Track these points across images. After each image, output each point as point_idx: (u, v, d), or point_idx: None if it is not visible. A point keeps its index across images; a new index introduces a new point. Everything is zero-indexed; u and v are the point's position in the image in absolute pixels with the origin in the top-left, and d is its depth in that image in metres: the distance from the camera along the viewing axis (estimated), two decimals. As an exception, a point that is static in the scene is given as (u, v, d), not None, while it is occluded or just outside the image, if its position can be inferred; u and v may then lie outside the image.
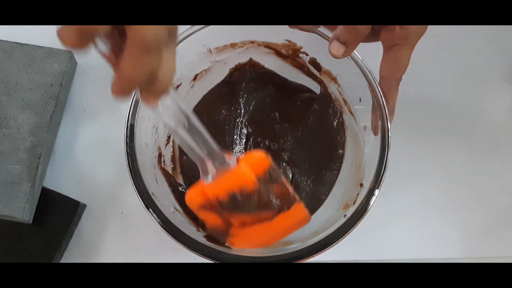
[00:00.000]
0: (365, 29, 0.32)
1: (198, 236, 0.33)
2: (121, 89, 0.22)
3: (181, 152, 0.41)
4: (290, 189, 0.33)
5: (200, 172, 0.30)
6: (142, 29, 0.21)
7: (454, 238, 0.42)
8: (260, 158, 0.31)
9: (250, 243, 0.34)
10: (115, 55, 0.22)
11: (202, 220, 0.33)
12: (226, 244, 0.33)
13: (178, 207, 0.37)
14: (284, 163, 0.41)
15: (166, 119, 0.27)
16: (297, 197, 0.33)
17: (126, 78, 0.22)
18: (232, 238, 0.33)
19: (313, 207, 0.40)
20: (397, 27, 0.33)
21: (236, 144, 0.42)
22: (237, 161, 0.31)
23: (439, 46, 0.47)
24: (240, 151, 0.41)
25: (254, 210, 0.31)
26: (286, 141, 0.41)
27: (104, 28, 0.21)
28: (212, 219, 0.32)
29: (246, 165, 0.30)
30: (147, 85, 0.23)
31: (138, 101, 0.34)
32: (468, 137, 0.45)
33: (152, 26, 0.21)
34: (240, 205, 0.31)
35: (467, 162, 0.44)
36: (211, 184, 0.30)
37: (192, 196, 0.32)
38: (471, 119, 0.45)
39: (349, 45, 0.33)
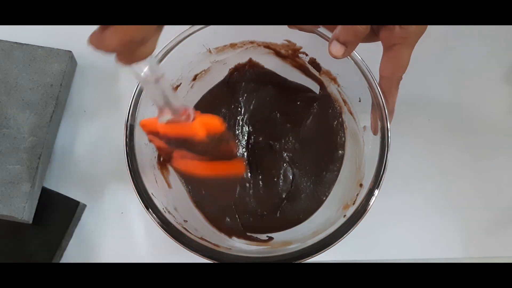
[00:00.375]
0: (364, 29, 0.32)
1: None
2: (96, 45, 0.24)
3: None
4: (235, 150, 0.35)
5: (158, 113, 0.31)
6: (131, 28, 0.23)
7: (454, 238, 0.42)
8: (214, 122, 0.32)
9: (187, 168, 0.36)
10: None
11: (150, 140, 0.35)
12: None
13: (178, 207, 0.37)
14: (285, 164, 0.41)
15: (136, 72, 0.28)
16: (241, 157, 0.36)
17: (105, 46, 0.24)
18: (173, 161, 0.35)
19: (313, 208, 0.40)
20: (397, 26, 0.33)
21: (238, 139, 0.41)
22: (194, 117, 0.32)
23: (439, 46, 0.47)
24: (240, 152, 0.41)
25: (197, 153, 0.33)
26: (287, 142, 0.41)
27: None
28: (158, 143, 0.34)
29: (200, 123, 0.32)
30: (124, 54, 0.25)
31: (138, 102, 0.34)
32: (468, 137, 0.45)
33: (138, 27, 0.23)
34: (185, 147, 0.32)
35: (467, 162, 0.44)
36: (165, 125, 0.32)
37: (146, 124, 0.33)
38: (471, 119, 0.45)
39: (348, 45, 0.33)
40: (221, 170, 0.35)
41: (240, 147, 0.41)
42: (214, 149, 0.32)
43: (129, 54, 0.25)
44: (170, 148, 0.33)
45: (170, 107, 0.30)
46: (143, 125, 0.34)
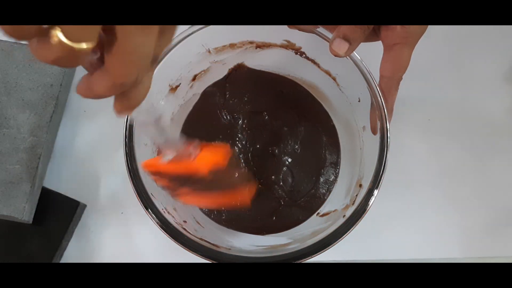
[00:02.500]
0: (367, 26, 0.32)
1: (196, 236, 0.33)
2: (84, 93, 0.22)
3: None
4: (241, 182, 0.34)
5: (158, 152, 0.31)
6: (123, 69, 0.20)
7: (454, 238, 0.42)
8: (216, 158, 0.32)
9: (194, 202, 0.36)
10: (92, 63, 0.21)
11: (154, 181, 0.34)
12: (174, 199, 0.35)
13: (177, 207, 0.37)
14: (285, 168, 0.41)
15: (136, 117, 0.27)
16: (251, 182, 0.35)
17: (94, 92, 0.21)
18: (179, 197, 0.34)
19: (313, 209, 0.40)
20: (398, 26, 0.33)
21: (237, 145, 0.41)
22: (196, 154, 0.31)
23: (439, 46, 0.47)
24: (240, 152, 0.41)
25: (201, 189, 0.32)
26: (287, 145, 0.41)
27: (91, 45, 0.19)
28: (162, 182, 0.33)
29: (202, 160, 0.31)
30: (118, 100, 0.23)
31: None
32: (468, 137, 0.45)
33: (134, 65, 0.20)
34: (188, 184, 0.32)
35: (467, 162, 0.44)
36: (167, 164, 0.31)
37: (147, 164, 0.33)
38: (471, 119, 0.45)
39: (352, 42, 0.33)
40: (228, 201, 0.35)
41: (239, 153, 0.41)
42: (220, 183, 0.32)
43: (125, 99, 0.22)
44: (174, 186, 0.33)
45: (171, 146, 0.30)
46: (145, 166, 0.33)
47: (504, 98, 0.46)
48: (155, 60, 0.22)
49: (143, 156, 0.35)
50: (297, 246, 0.33)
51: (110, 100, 0.50)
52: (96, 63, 0.21)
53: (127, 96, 0.22)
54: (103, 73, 0.21)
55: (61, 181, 0.43)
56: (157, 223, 0.32)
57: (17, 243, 0.40)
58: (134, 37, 0.20)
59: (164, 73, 0.36)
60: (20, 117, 0.41)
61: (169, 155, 0.30)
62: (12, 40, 0.43)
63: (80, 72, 0.46)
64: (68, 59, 0.19)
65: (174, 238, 0.32)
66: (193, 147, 0.31)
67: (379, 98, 0.34)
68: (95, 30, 0.19)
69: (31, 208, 0.39)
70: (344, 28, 0.33)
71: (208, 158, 0.31)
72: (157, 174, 0.32)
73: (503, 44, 0.47)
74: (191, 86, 0.41)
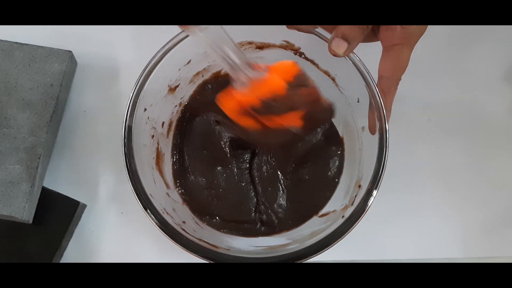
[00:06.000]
0: (366, 25, 0.32)
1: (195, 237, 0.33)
2: None
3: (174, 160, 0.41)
4: (319, 91, 0.33)
5: (232, 81, 0.31)
6: None
7: (454, 238, 0.42)
8: (288, 65, 0.31)
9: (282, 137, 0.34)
10: None
11: (235, 121, 0.33)
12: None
13: (176, 208, 0.37)
14: (285, 173, 0.41)
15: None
16: (326, 99, 0.34)
17: None
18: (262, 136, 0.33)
19: (314, 210, 0.40)
20: (398, 27, 0.33)
21: (236, 150, 0.41)
22: (268, 70, 0.31)
23: (439, 46, 0.47)
24: (240, 153, 0.41)
25: (286, 110, 0.32)
26: (287, 148, 0.41)
27: None
28: (244, 121, 0.32)
29: (275, 72, 0.31)
30: None
31: (136, 102, 0.34)
32: (468, 137, 0.45)
33: None
34: (272, 109, 0.31)
35: (467, 162, 0.44)
36: (244, 93, 0.31)
37: (223, 99, 0.32)
38: (471, 119, 0.45)
39: (351, 42, 0.33)
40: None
41: (239, 158, 0.41)
42: (299, 97, 0.31)
43: None
44: (259, 119, 0.32)
45: (243, 64, 0.30)
46: (220, 101, 0.32)
47: (504, 98, 0.46)
48: None
49: (142, 157, 0.35)
50: (296, 247, 0.33)
51: (110, 100, 0.50)
52: None
53: None
54: None
55: (61, 181, 0.43)
56: (156, 223, 0.32)
57: (17, 243, 0.40)
58: None
59: (163, 73, 0.36)
60: (20, 117, 0.41)
61: (243, 80, 0.30)
62: (12, 40, 0.43)
63: (80, 72, 0.46)
64: None
65: (173, 238, 0.32)
66: (262, 66, 0.30)
67: (378, 99, 0.34)
68: None
69: (31, 208, 0.39)
70: (343, 28, 0.33)
71: (279, 67, 0.31)
72: (235, 110, 0.31)
73: (503, 44, 0.47)
74: (190, 87, 0.41)
